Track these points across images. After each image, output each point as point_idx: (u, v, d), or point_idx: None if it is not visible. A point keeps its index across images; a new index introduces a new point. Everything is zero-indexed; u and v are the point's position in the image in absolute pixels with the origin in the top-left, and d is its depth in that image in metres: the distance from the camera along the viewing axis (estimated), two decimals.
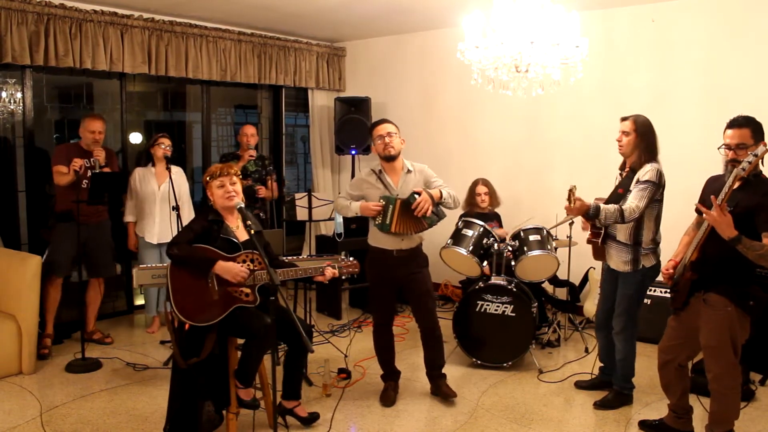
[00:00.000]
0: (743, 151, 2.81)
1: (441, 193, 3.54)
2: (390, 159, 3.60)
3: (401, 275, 3.64)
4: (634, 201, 3.32)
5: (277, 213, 6.30)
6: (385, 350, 3.80)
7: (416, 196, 3.46)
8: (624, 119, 3.50)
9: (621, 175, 3.60)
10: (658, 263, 3.50)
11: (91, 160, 4.36)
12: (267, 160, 5.46)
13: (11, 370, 3.99)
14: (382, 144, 3.58)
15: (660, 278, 3.36)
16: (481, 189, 4.99)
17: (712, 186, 3.02)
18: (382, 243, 3.64)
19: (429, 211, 3.45)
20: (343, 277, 3.41)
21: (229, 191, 3.11)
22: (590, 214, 3.33)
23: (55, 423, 3.39)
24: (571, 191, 3.31)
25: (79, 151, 4.44)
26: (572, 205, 3.31)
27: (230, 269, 2.98)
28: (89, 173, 4.34)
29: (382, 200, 3.51)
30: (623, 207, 3.30)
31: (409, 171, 3.65)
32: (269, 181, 5.25)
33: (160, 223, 4.75)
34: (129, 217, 4.78)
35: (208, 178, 3.15)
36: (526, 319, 4.13)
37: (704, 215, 2.77)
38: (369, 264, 3.74)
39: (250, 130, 5.23)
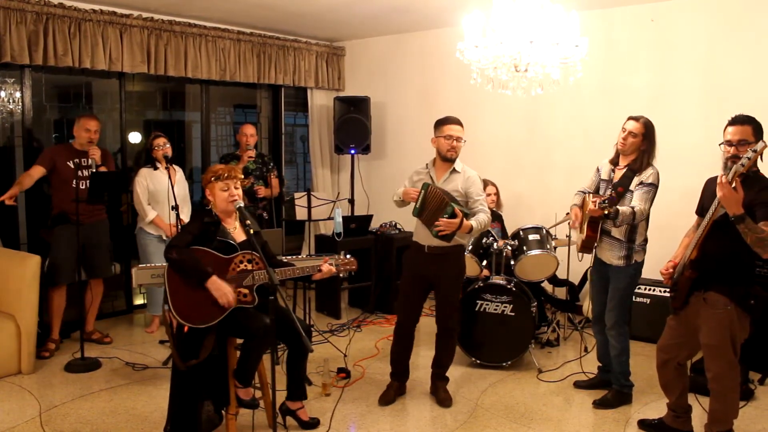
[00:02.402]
0: (744, 147, 2.81)
1: (471, 227, 3.45)
2: (449, 161, 3.60)
3: (431, 274, 3.62)
4: (641, 203, 3.38)
5: (277, 212, 6.30)
6: (401, 350, 3.75)
7: (450, 212, 3.35)
8: (634, 119, 3.48)
9: (612, 171, 3.61)
10: (644, 258, 3.58)
11: (88, 160, 4.36)
12: (267, 157, 5.47)
13: (10, 369, 3.98)
14: (448, 145, 3.55)
15: (656, 276, 3.37)
16: (491, 189, 4.98)
17: (711, 187, 3.01)
18: (417, 237, 3.66)
19: (445, 233, 3.39)
20: (342, 275, 3.39)
21: (233, 195, 3.09)
22: (610, 216, 3.37)
23: (54, 423, 3.39)
24: (607, 206, 3.34)
25: (71, 151, 4.43)
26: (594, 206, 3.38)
27: (221, 289, 2.94)
28: (86, 173, 4.34)
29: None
30: (635, 210, 3.35)
31: (456, 171, 3.61)
32: (270, 178, 5.25)
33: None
34: (152, 213, 4.63)
35: (212, 178, 3.09)
36: (525, 318, 4.13)
37: (717, 189, 2.74)
38: (404, 258, 3.79)
39: (249, 129, 5.21)
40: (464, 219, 3.38)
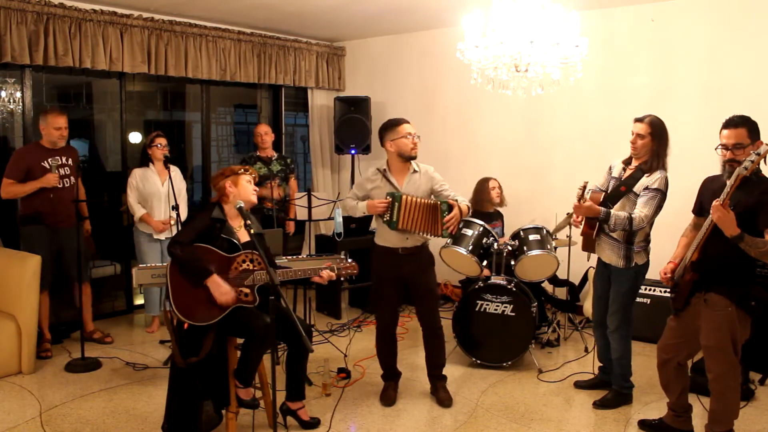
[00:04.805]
0: (740, 150, 2.81)
1: (468, 207, 3.55)
2: (411, 159, 3.58)
3: (406, 273, 3.61)
4: (644, 210, 3.32)
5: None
6: (387, 353, 3.77)
7: (449, 208, 3.44)
8: (638, 120, 3.43)
9: (624, 170, 3.56)
10: (649, 260, 3.53)
11: (61, 158, 4.28)
12: (288, 159, 5.70)
13: (11, 369, 3.99)
14: (410, 143, 3.52)
15: (657, 277, 3.36)
16: (494, 183, 4.99)
17: (710, 186, 3.02)
18: (387, 241, 3.62)
19: (455, 229, 3.48)
20: (342, 279, 3.40)
21: (256, 188, 3.25)
22: (600, 219, 3.35)
23: (54, 423, 3.39)
24: (583, 187, 3.35)
25: (43, 151, 4.29)
26: (582, 202, 3.34)
27: (220, 288, 2.96)
28: (65, 171, 4.30)
29: (388, 197, 3.47)
30: (633, 216, 3.31)
31: (415, 171, 3.60)
32: (291, 179, 5.59)
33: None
34: (140, 211, 4.62)
35: (240, 171, 3.18)
36: (525, 318, 4.12)
37: (711, 211, 2.75)
38: (374, 262, 3.72)
39: (263, 128, 5.49)
40: (458, 205, 3.48)
